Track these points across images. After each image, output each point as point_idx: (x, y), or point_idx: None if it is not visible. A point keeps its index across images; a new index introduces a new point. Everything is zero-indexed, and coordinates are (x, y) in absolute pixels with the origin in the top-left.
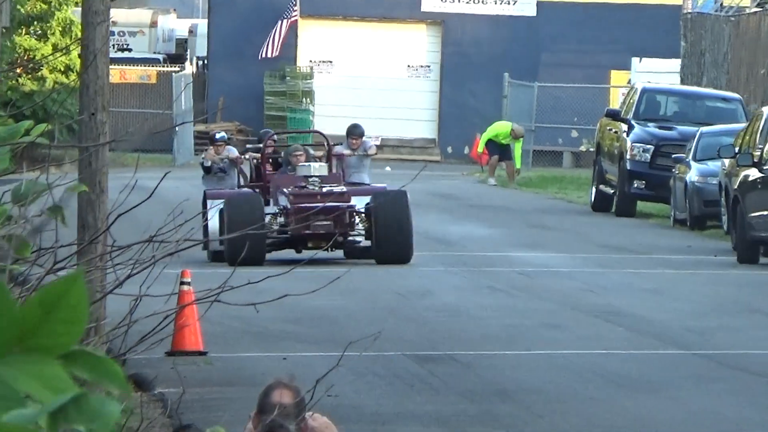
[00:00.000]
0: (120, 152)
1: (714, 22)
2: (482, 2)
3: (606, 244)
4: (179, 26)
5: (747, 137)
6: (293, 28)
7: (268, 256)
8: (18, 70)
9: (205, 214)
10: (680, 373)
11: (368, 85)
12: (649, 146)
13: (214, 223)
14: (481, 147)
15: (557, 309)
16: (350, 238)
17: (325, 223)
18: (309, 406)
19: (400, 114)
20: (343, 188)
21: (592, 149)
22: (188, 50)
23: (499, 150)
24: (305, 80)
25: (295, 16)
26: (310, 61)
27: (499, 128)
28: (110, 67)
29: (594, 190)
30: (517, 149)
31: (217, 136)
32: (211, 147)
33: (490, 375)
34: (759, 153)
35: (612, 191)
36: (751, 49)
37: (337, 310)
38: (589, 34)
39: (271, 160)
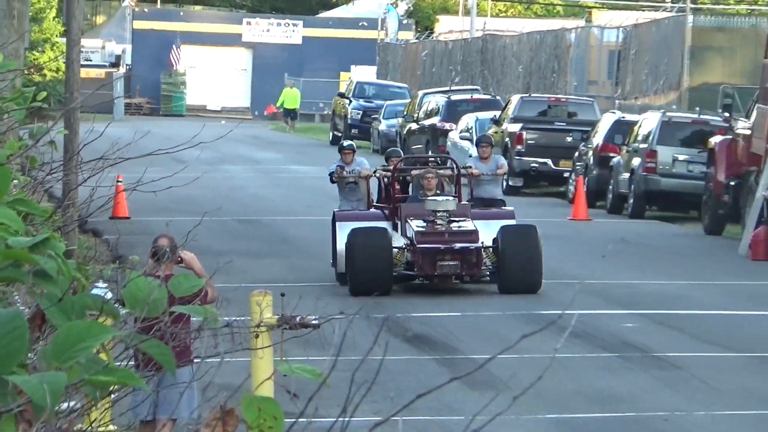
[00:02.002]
0: (84, 113)
1: (394, 47)
2: (273, 35)
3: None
4: (117, 48)
5: (410, 107)
6: (177, 49)
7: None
8: (31, 70)
9: (334, 236)
10: None
11: (215, 78)
12: (359, 111)
13: (342, 247)
14: (278, 103)
15: (312, 196)
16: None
17: (452, 263)
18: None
19: (231, 93)
20: (471, 225)
21: (330, 113)
22: (121, 61)
23: (286, 111)
24: (182, 76)
25: (180, 43)
26: (185, 66)
27: (285, 95)
28: (80, 68)
29: (331, 134)
30: (294, 101)
31: (345, 143)
32: (340, 156)
33: (277, 230)
34: (416, 115)
35: (340, 134)
36: (412, 61)
37: (198, 196)
38: (331, 52)
39: (400, 179)
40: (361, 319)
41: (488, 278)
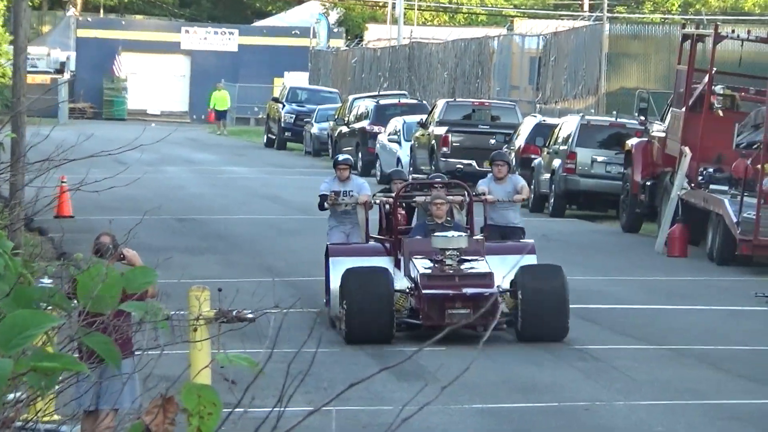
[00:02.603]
0: (30, 117)
1: (325, 54)
2: (210, 43)
3: (271, 163)
4: (61, 55)
5: (341, 111)
6: (119, 57)
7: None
8: None
9: (327, 273)
10: (308, 227)
11: (155, 84)
12: (293, 115)
13: (335, 286)
14: (210, 106)
15: (247, 195)
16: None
17: (463, 311)
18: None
19: (170, 98)
20: (485, 266)
21: (265, 117)
22: (66, 67)
23: (217, 113)
24: (123, 82)
25: (121, 50)
26: (126, 72)
27: (215, 97)
28: (27, 74)
29: (265, 137)
30: (224, 102)
31: (341, 158)
32: (335, 173)
33: (214, 227)
34: (346, 119)
35: (274, 137)
36: (342, 67)
37: (139, 196)
38: (265, 59)
39: (404, 205)
40: (295, 313)
41: (505, 327)
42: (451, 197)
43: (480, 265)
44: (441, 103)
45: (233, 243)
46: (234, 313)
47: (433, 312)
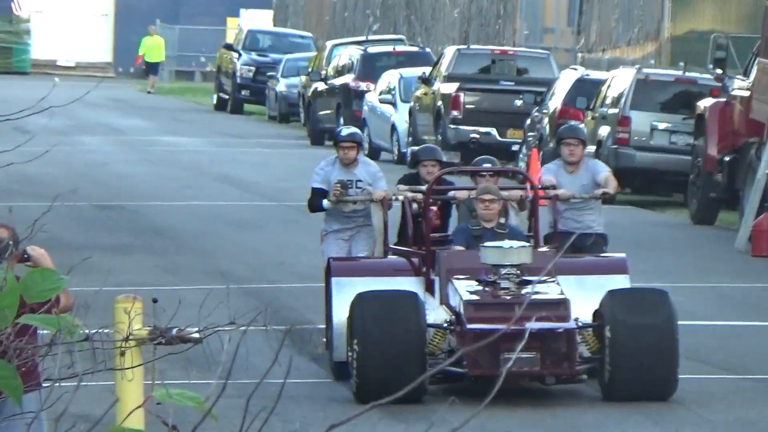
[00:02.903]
0: None
1: None
2: None
3: (223, 132)
4: None
5: (316, 62)
6: None
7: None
8: None
9: (329, 300)
10: (272, 217)
11: (68, 26)
12: (251, 67)
13: (341, 319)
14: (140, 51)
15: (192, 175)
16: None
17: (526, 356)
18: (28, 238)
19: (88, 44)
20: (557, 290)
21: (214, 70)
22: None
23: (148, 65)
24: (25, 23)
25: None
26: (29, 11)
27: (146, 46)
28: None
29: (215, 96)
30: (157, 53)
31: (345, 132)
32: (338, 153)
33: (149, 218)
34: (324, 72)
35: (227, 97)
36: (318, 4)
37: (47, 175)
38: None
39: (438, 203)
40: (256, 331)
41: (585, 378)
42: (506, 192)
43: (550, 289)
44: (450, 51)
45: (173, 239)
46: (174, 331)
47: (483, 356)
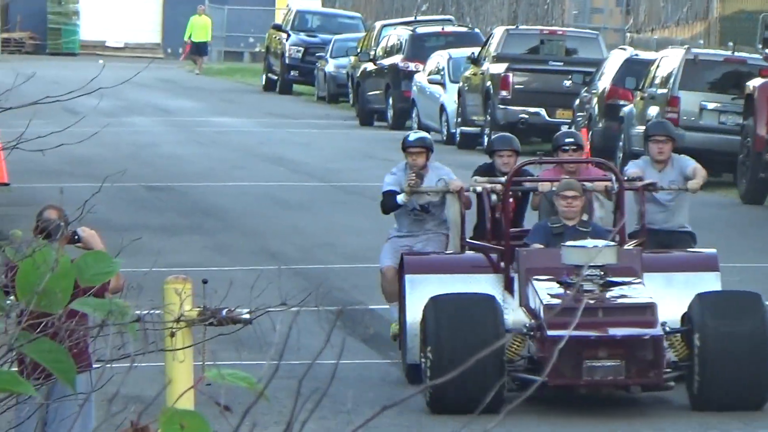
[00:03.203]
0: None
1: None
2: None
3: (272, 113)
4: None
5: (365, 42)
6: None
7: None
8: None
9: (403, 299)
10: (320, 198)
11: (117, 6)
12: (300, 48)
13: (415, 319)
14: (187, 36)
15: (241, 155)
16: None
17: (610, 364)
18: (76, 221)
19: (137, 25)
20: (645, 293)
21: (263, 50)
22: None
23: (194, 46)
24: (74, 4)
25: None
26: None
27: (194, 25)
28: None
29: (264, 77)
30: (204, 32)
31: (413, 136)
32: (406, 159)
33: (198, 199)
34: (373, 53)
35: (276, 78)
36: None
37: (97, 156)
38: None
39: (519, 194)
40: (307, 312)
41: (672, 385)
42: (590, 184)
43: (637, 292)
44: (499, 31)
45: (222, 219)
46: (224, 312)
47: (565, 364)
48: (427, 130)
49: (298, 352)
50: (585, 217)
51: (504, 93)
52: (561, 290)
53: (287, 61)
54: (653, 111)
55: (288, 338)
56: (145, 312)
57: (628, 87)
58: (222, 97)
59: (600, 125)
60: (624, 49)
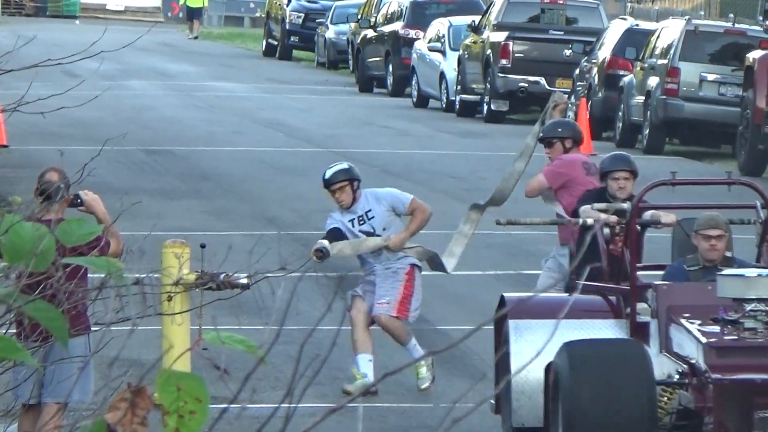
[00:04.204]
0: None
1: None
2: None
3: (272, 78)
4: None
5: (366, 9)
6: None
7: None
8: None
9: (505, 345)
10: (320, 164)
11: None
12: (300, 14)
13: (526, 372)
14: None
15: (240, 120)
16: None
17: None
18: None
19: None
20: None
21: (263, 16)
22: None
23: (189, 10)
24: None
25: None
26: None
27: None
28: None
29: (264, 42)
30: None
31: (328, 173)
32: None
33: (197, 163)
34: (373, 19)
35: (276, 43)
36: None
37: (97, 120)
38: None
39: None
40: (307, 278)
41: None
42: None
43: None
44: (500, 0)
45: (221, 184)
46: (222, 277)
47: (731, 412)
48: (427, 97)
49: (297, 318)
50: (729, 254)
51: (504, 61)
52: (717, 328)
53: (287, 26)
54: (653, 81)
55: (289, 304)
56: (144, 275)
57: (628, 57)
58: (222, 62)
59: (600, 95)
60: (624, 19)
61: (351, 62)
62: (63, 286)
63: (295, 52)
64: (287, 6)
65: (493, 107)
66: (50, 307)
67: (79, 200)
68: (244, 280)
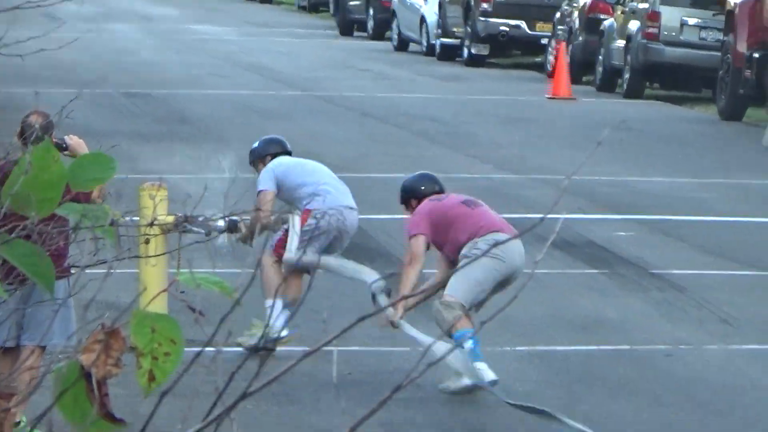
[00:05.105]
0: None
1: None
2: None
3: (252, 21)
4: None
5: None
6: None
7: None
8: None
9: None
10: (300, 107)
11: None
12: None
13: None
14: None
15: (221, 63)
16: None
17: None
18: (58, 123)
19: None
20: None
21: None
22: None
23: None
24: None
25: None
26: None
27: None
28: None
29: None
30: None
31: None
32: None
33: (176, 107)
34: None
35: None
36: None
37: (76, 62)
38: None
39: None
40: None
41: None
42: None
43: None
44: None
45: (200, 127)
46: (200, 219)
47: None
48: (407, 41)
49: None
50: None
51: (485, 5)
52: None
53: None
54: (633, 25)
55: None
56: (121, 219)
57: (608, 1)
58: (203, 5)
59: (580, 39)
60: None
61: (331, 5)
62: (37, 227)
63: None
64: None
65: (473, 51)
66: (33, 250)
67: (64, 144)
68: (221, 223)
